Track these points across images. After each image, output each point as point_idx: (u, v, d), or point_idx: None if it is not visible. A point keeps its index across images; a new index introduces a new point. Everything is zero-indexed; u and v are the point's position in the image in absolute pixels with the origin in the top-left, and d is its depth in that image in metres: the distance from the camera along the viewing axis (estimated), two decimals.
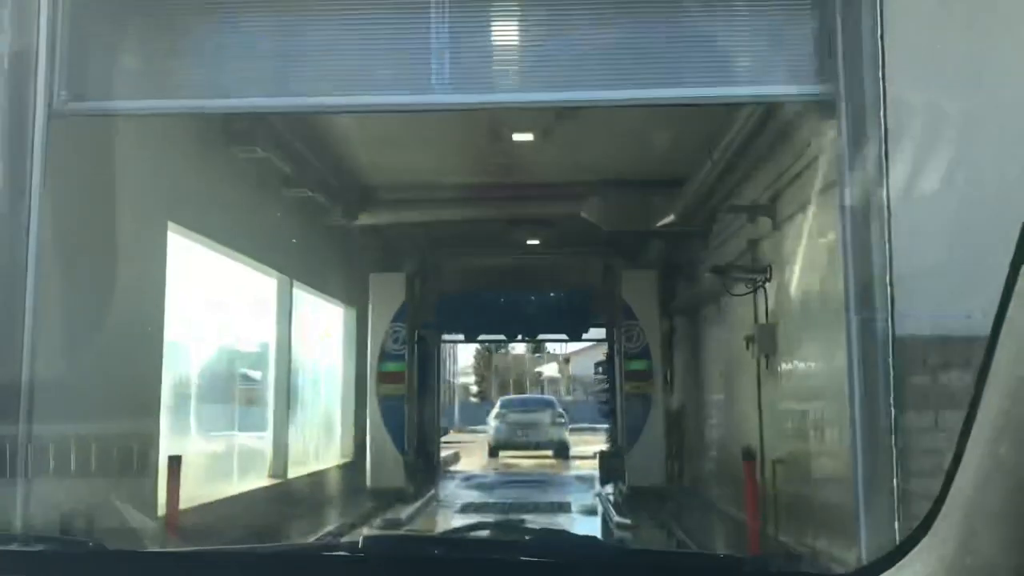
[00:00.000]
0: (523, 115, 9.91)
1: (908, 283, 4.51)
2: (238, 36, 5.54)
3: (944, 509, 0.92)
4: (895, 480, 4.35)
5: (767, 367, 10.41)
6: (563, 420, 23.68)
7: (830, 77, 5.23)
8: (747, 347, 10.79)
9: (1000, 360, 0.78)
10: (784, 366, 9.88)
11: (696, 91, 5.71)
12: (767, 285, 10.41)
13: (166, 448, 8.43)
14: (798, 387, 9.37)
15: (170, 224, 8.86)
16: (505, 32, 5.72)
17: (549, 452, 23.12)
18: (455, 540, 1.45)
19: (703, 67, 5.63)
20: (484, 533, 1.44)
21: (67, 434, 5.98)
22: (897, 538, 4.30)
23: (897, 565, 0.99)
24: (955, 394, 4.33)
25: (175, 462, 7.43)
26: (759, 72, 5.73)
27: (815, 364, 8.86)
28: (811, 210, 8.64)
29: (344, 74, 5.45)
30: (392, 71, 5.35)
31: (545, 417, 23.76)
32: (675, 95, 5.83)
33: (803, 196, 8.79)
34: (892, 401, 4.40)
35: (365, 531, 11.96)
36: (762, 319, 10.51)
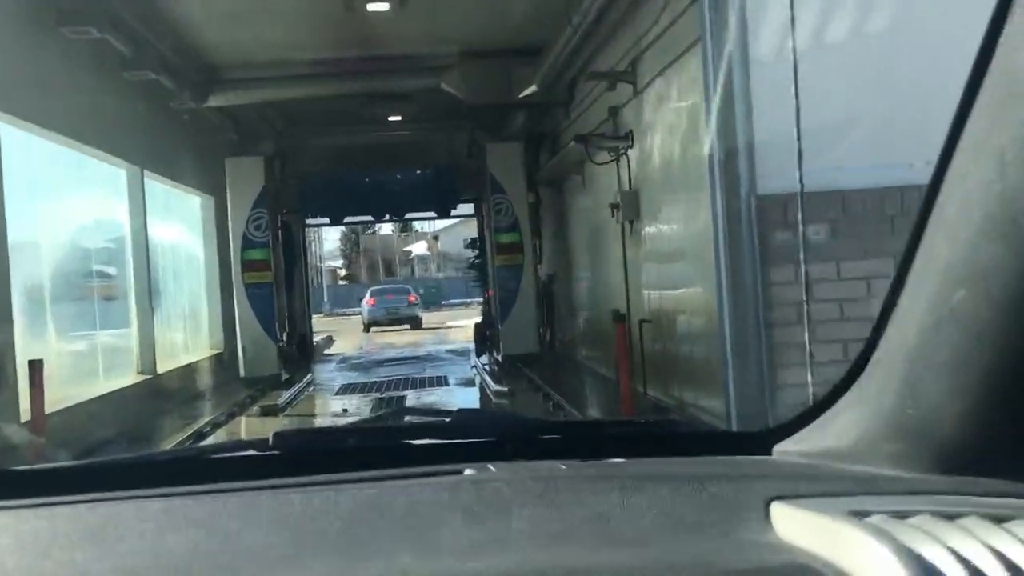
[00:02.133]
0: None
1: (767, 146, 4.66)
2: None
3: (877, 358, 0.93)
4: (761, 333, 4.59)
5: (632, 232, 10.68)
6: (416, 301, 31.60)
7: None
8: (612, 214, 11.00)
9: (946, 209, 0.78)
10: (648, 230, 10.15)
11: None
12: (629, 152, 10.56)
13: (24, 353, 8.05)
14: (662, 250, 9.67)
15: (0, 115, 8.20)
16: None
17: (407, 324, 30.39)
18: (368, 429, 1.41)
19: None
20: (399, 420, 1.39)
21: None
22: (766, 387, 4.58)
23: (831, 410, 1.02)
24: (816, 248, 4.57)
25: (36, 366, 7.11)
26: None
27: (678, 227, 9.13)
28: (670, 74, 8.73)
29: None
30: None
31: (403, 299, 31.53)
32: None
33: (662, 61, 8.85)
34: (757, 256, 4.60)
35: (245, 420, 11.89)
36: (625, 186, 10.71)
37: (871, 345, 0.94)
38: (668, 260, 9.42)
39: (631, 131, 10.45)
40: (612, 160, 11.10)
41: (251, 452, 1.21)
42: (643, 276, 10.39)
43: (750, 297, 4.62)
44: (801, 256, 4.33)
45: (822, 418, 1.05)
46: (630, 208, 10.41)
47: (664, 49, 8.70)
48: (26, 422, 7.44)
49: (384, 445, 1.25)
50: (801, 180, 2.54)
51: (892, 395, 0.89)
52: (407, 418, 1.41)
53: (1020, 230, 0.70)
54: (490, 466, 1.07)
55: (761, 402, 4.61)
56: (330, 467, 1.07)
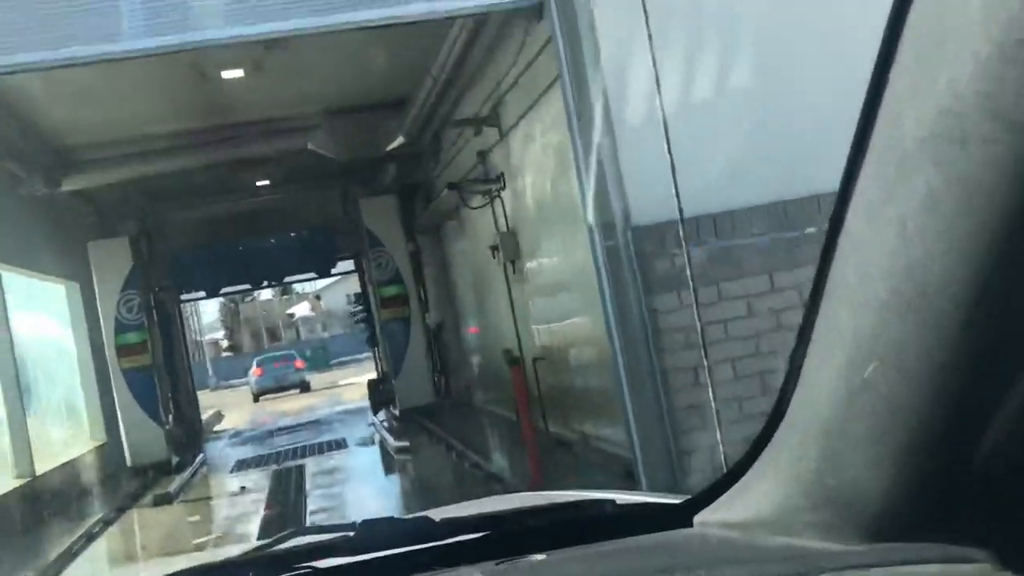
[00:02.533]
0: (229, 51, 9.32)
1: (635, 177, 4.76)
2: None
3: (790, 421, 0.91)
4: (653, 360, 4.65)
5: (515, 271, 10.75)
6: (303, 367, 32.12)
7: None
8: (493, 255, 11.06)
9: (846, 278, 0.75)
10: (530, 268, 10.23)
11: (413, 8, 5.62)
12: (503, 194, 10.66)
13: None
14: (545, 285, 9.76)
15: None
16: None
17: (296, 389, 30.64)
18: (264, 559, 1.24)
19: None
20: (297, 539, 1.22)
21: None
22: (664, 413, 4.63)
23: (748, 476, 0.99)
24: (695, 274, 4.67)
25: None
26: None
27: (558, 261, 9.24)
28: (532, 116, 8.87)
29: (27, 29, 4.85)
30: (79, 21, 4.83)
31: (290, 366, 31.98)
32: (389, 14, 5.70)
33: (524, 103, 8.99)
34: (640, 286, 4.66)
35: (137, 512, 11.31)
36: (503, 227, 10.79)
37: (781, 407, 0.92)
38: (553, 295, 9.51)
39: (502, 173, 10.56)
40: (487, 203, 11.18)
41: None
42: (531, 314, 10.46)
43: (638, 327, 4.69)
44: (690, 280, 4.42)
45: (739, 484, 1.02)
46: (510, 248, 10.49)
47: (524, 91, 8.84)
48: None
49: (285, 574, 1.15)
50: (680, 208, 2.60)
51: (810, 463, 0.87)
52: (305, 539, 1.29)
53: (930, 303, 0.69)
54: None
55: (661, 428, 4.66)
56: None
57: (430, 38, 9.58)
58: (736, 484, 1.02)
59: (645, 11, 4.45)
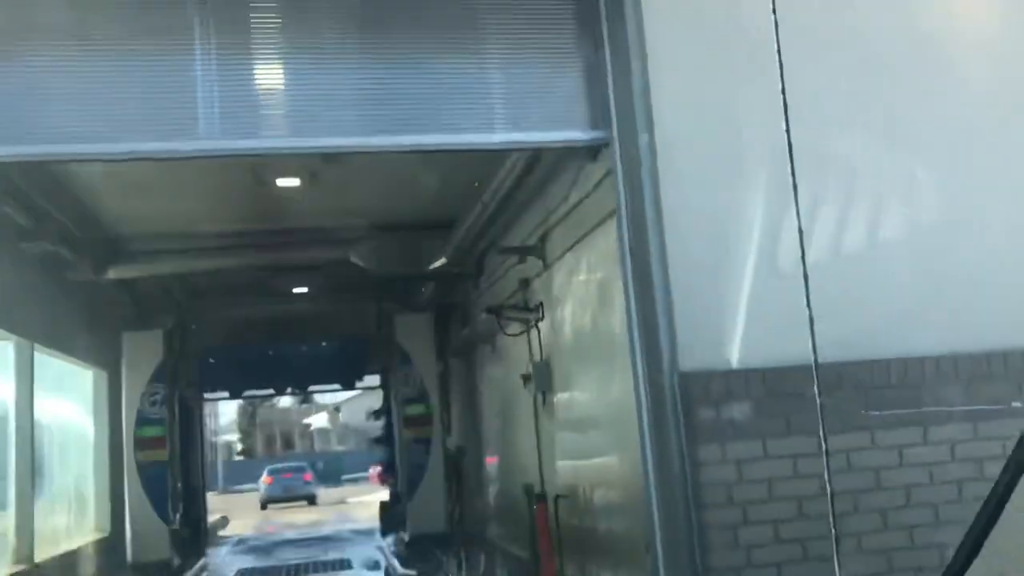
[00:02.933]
0: (289, 159, 9.58)
1: (688, 320, 4.69)
2: None
3: None
4: (691, 514, 4.47)
5: (544, 403, 10.59)
6: (312, 480, 33.21)
7: (600, 123, 5.39)
8: (524, 385, 10.93)
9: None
10: (561, 400, 10.08)
11: (472, 137, 5.72)
12: (540, 324, 10.62)
13: None
14: (575, 420, 9.58)
15: None
16: (272, 78, 5.47)
17: (304, 501, 31.38)
18: None
19: (477, 115, 5.66)
20: None
21: None
22: (699, 564, 4.41)
23: None
24: (739, 426, 4.54)
25: None
26: (529, 118, 5.82)
27: (591, 397, 9.09)
28: (579, 249, 8.92)
29: (104, 120, 4.99)
30: (156, 117, 4.97)
31: (300, 478, 33.05)
32: (448, 141, 5.80)
33: (572, 236, 9.05)
34: (683, 434, 4.53)
35: None
36: (537, 357, 10.70)
37: None
38: (582, 431, 9.32)
39: (541, 303, 10.55)
40: (523, 331, 11.13)
41: None
42: (557, 448, 10.23)
43: (677, 476, 4.53)
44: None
45: None
46: (542, 379, 10.37)
47: (573, 225, 8.92)
48: None
49: None
50: (815, 350, 2.54)
51: None
52: None
53: None
54: None
55: None
56: None
57: (485, 165, 9.77)
58: None
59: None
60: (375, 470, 40.47)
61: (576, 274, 9.22)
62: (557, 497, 9.81)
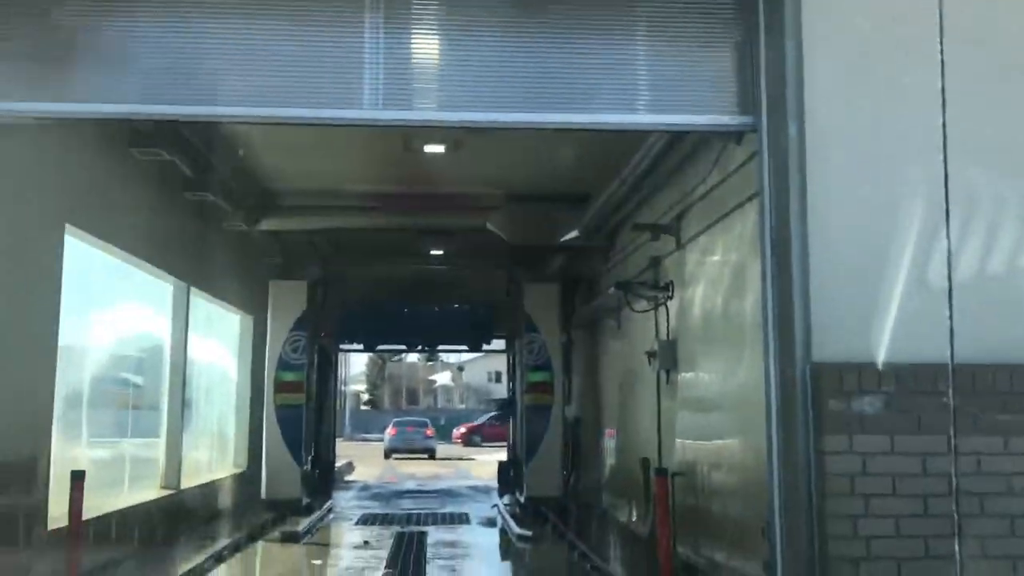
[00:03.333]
0: (436, 128, 9.90)
1: (823, 311, 4.73)
2: (161, 40, 5.38)
3: None
4: (812, 501, 4.54)
5: (667, 381, 10.68)
6: (433, 435, 34.70)
7: (749, 108, 5.42)
8: (648, 362, 11.03)
9: None
10: (684, 380, 10.14)
11: (618, 117, 5.83)
12: (669, 302, 10.67)
13: (59, 456, 8.09)
14: (697, 400, 9.64)
15: (68, 227, 8.51)
16: (432, 52, 5.72)
17: (425, 455, 33.07)
18: None
19: (626, 95, 5.76)
20: None
21: None
22: (816, 552, 4.50)
23: None
24: (868, 419, 4.57)
25: (78, 477, 7.14)
26: (676, 101, 5.87)
27: (716, 379, 9.13)
28: (715, 231, 8.92)
29: (273, 85, 5.36)
30: (322, 86, 5.31)
31: (422, 432, 34.69)
32: (594, 120, 5.92)
33: (709, 217, 9.06)
34: (811, 423, 4.60)
35: (263, 545, 11.70)
36: (663, 335, 10.77)
37: None
38: (704, 411, 9.37)
39: (671, 282, 10.59)
40: (650, 309, 11.21)
41: None
42: (677, 427, 10.32)
43: (802, 465, 4.59)
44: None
45: None
46: (667, 357, 10.45)
47: (711, 206, 8.92)
48: (55, 531, 7.39)
49: None
50: (952, 350, 2.56)
51: None
52: None
53: None
54: None
55: (809, 574, 4.52)
56: None
57: (625, 141, 9.85)
58: None
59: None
60: (459, 430, 41.62)
61: (710, 255, 9.23)
62: (674, 475, 9.91)
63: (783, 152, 4.94)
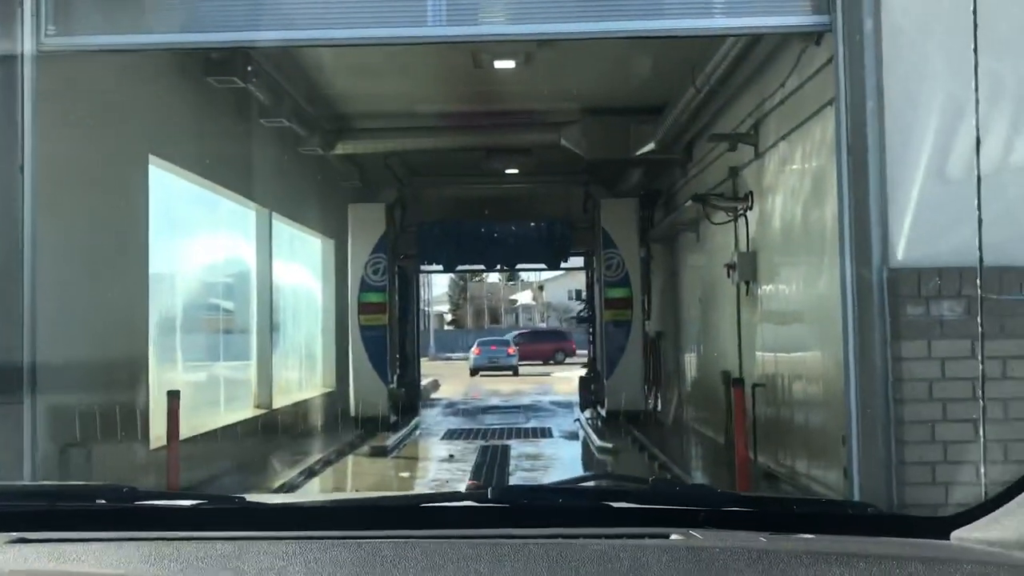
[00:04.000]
0: (505, 43, 9.78)
1: (901, 216, 4.60)
2: None
3: None
4: (889, 408, 4.50)
5: (747, 293, 10.57)
6: (515, 353, 35.89)
7: (823, 7, 5.21)
8: (727, 274, 10.92)
9: None
10: (765, 292, 10.03)
11: (689, 23, 5.68)
12: (748, 213, 10.50)
13: (156, 379, 8.49)
14: (778, 312, 9.54)
15: (151, 157, 8.76)
16: None
17: (509, 372, 34.14)
18: (573, 490, 1.47)
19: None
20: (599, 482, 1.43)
21: (62, 364, 6.02)
22: (893, 457, 4.48)
23: (1015, 501, 1.03)
24: (948, 324, 4.47)
25: (174, 397, 7.49)
26: (750, 2, 5.70)
27: (796, 290, 9.01)
28: (795, 139, 8.69)
29: (338, 8, 5.37)
30: (386, 5, 5.28)
31: (504, 350, 35.89)
32: (665, 27, 5.78)
33: (787, 124, 8.82)
34: (888, 329, 4.52)
35: (353, 459, 12.11)
36: (743, 247, 10.63)
37: None
38: (784, 323, 9.29)
39: (751, 192, 10.40)
40: (729, 220, 11.04)
41: (469, 503, 1.29)
42: (757, 339, 10.25)
43: (879, 371, 4.54)
44: (980, 328, 4.19)
45: (1005, 508, 1.06)
46: (746, 269, 10.32)
47: (789, 113, 8.68)
48: (156, 449, 7.82)
49: (588, 506, 1.33)
50: (980, 250, 2.50)
51: None
52: (605, 482, 1.50)
53: None
54: (694, 532, 1.13)
55: (887, 479, 4.50)
56: (539, 522, 1.14)
57: (699, 49, 9.60)
58: (1002, 507, 1.05)
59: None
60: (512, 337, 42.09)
61: (789, 164, 9.02)
62: (755, 386, 9.90)
63: (858, 50, 4.76)
